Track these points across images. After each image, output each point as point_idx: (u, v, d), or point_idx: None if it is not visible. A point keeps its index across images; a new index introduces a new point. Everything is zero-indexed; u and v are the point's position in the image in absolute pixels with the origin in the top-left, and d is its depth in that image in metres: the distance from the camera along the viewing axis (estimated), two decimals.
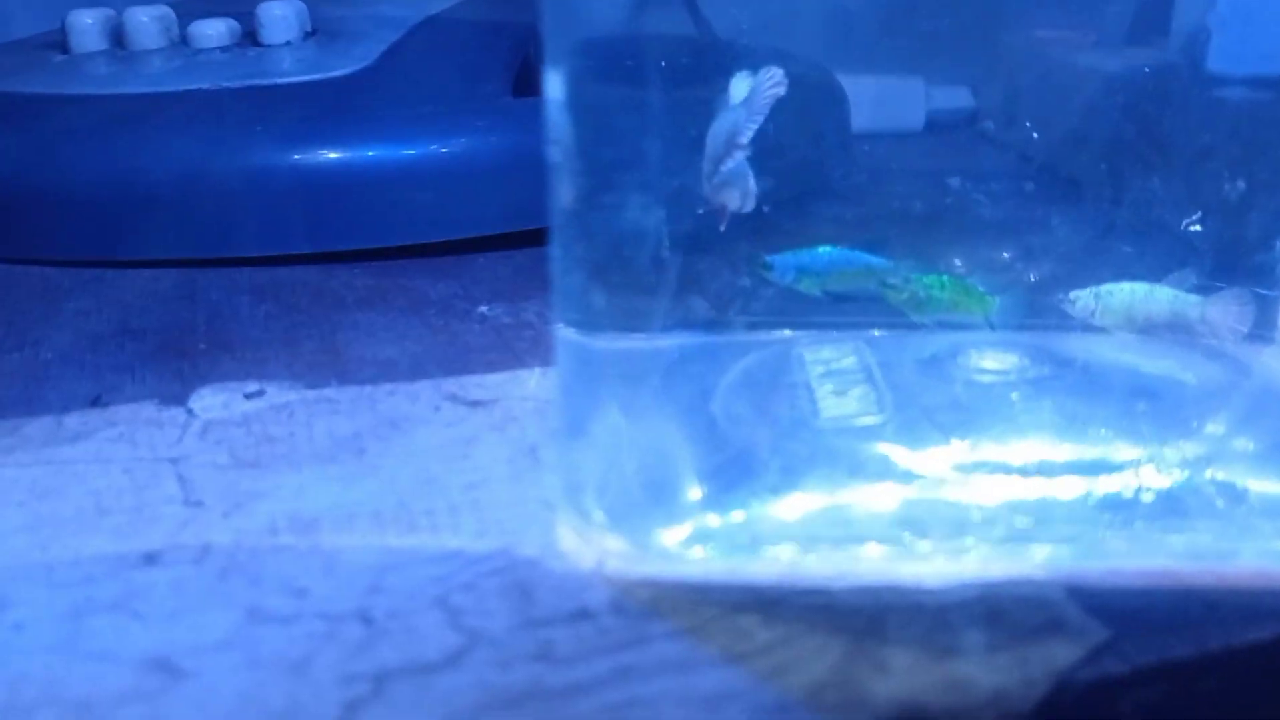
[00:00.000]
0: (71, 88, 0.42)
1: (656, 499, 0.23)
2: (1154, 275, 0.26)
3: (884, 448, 0.24)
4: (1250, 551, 0.22)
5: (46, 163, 0.39)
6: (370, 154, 0.39)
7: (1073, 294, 0.26)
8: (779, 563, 0.22)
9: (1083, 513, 0.23)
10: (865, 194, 0.29)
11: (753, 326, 0.27)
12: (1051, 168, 0.27)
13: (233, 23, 0.45)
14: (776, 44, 0.26)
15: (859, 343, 0.27)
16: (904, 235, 0.27)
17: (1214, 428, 0.25)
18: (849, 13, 0.27)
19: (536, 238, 0.38)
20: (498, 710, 0.18)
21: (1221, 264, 0.26)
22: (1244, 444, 0.24)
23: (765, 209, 0.26)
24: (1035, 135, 0.28)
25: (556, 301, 0.23)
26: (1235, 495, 0.23)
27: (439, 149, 0.39)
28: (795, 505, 0.23)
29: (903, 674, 0.19)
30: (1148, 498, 0.23)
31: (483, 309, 0.34)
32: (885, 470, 0.23)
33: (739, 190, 0.25)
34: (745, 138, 0.24)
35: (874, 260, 0.27)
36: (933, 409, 0.25)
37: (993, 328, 0.27)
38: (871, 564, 0.22)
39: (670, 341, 0.26)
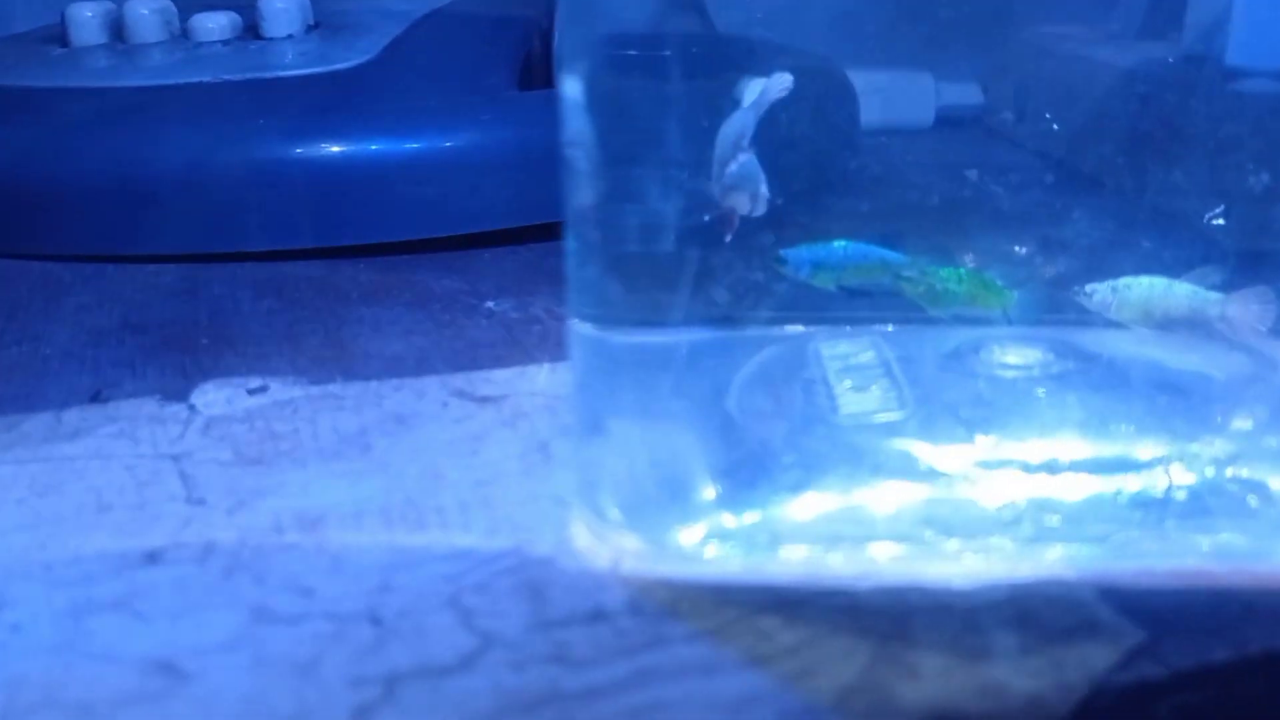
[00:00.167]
0: (70, 81, 0.42)
1: (673, 497, 0.22)
2: (1175, 271, 0.25)
3: (906, 444, 0.23)
4: None
5: (45, 156, 0.39)
6: (374, 148, 0.38)
7: (1089, 287, 0.25)
8: (800, 562, 0.21)
9: (1112, 511, 0.22)
10: (877, 188, 0.28)
11: (765, 321, 0.27)
12: (1070, 162, 0.27)
13: (234, 16, 0.45)
14: (786, 39, 0.26)
15: (876, 338, 0.27)
16: (918, 228, 0.27)
17: (1242, 424, 0.24)
18: (859, 7, 0.26)
19: (543, 232, 0.38)
20: (513, 714, 0.17)
21: (1244, 260, 0.26)
22: (1275, 441, 0.24)
23: (779, 201, 0.25)
24: (1055, 127, 0.28)
25: (571, 296, 0.23)
26: (1267, 494, 0.22)
27: (443, 143, 0.39)
28: (816, 503, 0.22)
29: (934, 678, 0.18)
30: (1178, 496, 0.22)
31: (489, 304, 0.34)
32: (908, 467, 0.23)
33: (748, 193, 0.24)
34: (749, 138, 0.24)
35: (890, 255, 0.26)
36: (955, 405, 0.24)
37: (1010, 322, 0.26)
38: (895, 564, 0.21)
39: (685, 336, 0.25)
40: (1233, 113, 0.27)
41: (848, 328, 0.27)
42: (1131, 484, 0.22)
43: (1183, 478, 0.22)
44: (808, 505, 0.22)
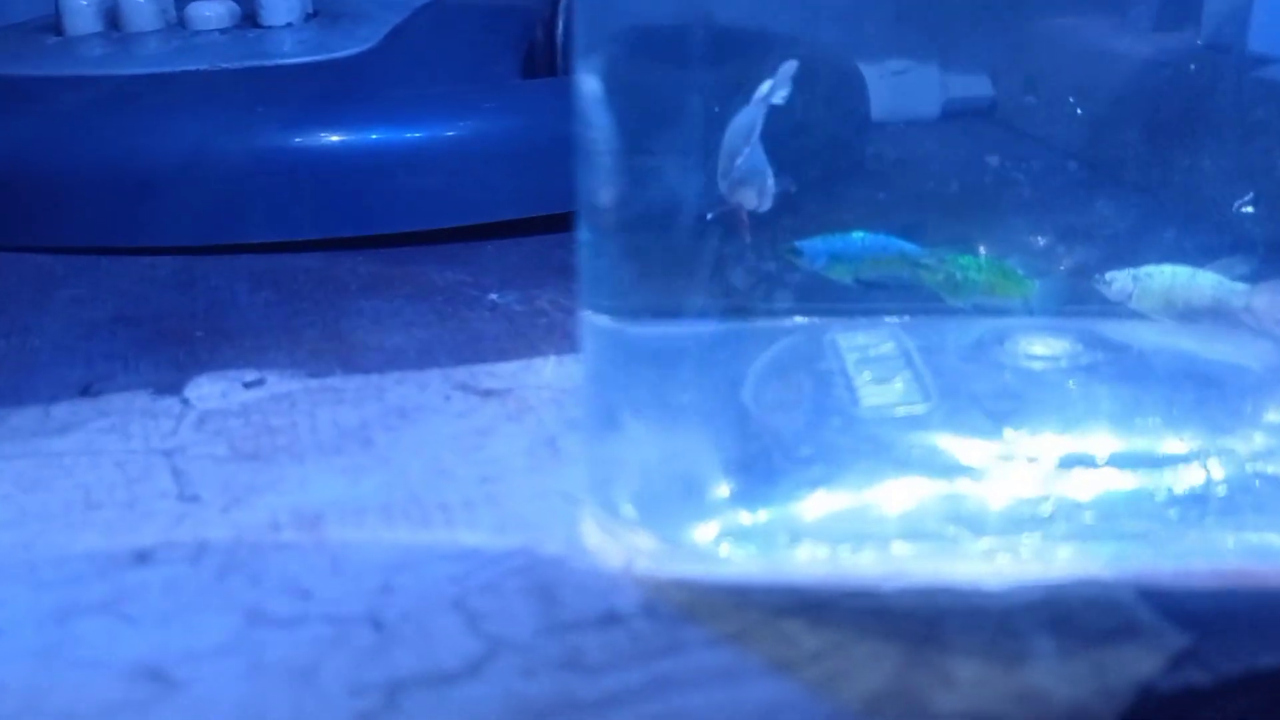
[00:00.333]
0: (63, 69, 0.41)
1: (689, 493, 0.21)
2: (1199, 261, 0.25)
3: (931, 438, 0.22)
4: None
5: (37, 146, 0.38)
6: (374, 137, 0.38)
7: (1108, 275, 0.24)
8: (823, 562, 0.20)
9: (1148, 508, 0.21)
10: (892, 178, 0.27)
11: (779, 312, 0.26)
12: (1092, 152, 0.26)
13: (231, 4, 0.44)
14: (796, 30, 0.25)
15: (895, 328, 0.26)
16: (935, 218, 0.26)
17: (1275, 417, 0.23)
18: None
19: (548, 224, 0.37)
20: None
21: (1274, 250, 0.25)
22: None
23: (793, 188, 0.25)
24: (1079, 111, 0.27)
25: (583, 287, 0.22)
26: None
27: (445, 132, 0.38)
28: (837, 500, 0.21)
29: (969, 685, 0.17)
30: (1218, 492, 0.21)
31: (493, 296, 0.33)
32: (933, 462, 0.22)
33: (755, 188, 0.24)
34: (756, 133, 0.23)
35: (909, 246, 0.25)
36: (981, 397, 0.23)
37: (1032, 313, 0.25)
38: (923, 564, 0.20)
39: (699, 328, 0.25)
40: (1258, 100, 0.26)
41: (862, 319, 0.26)
42: (1168, 480, 0.21)
43: (1222, 473, 0.21)
44: (829, 502, 0.21)
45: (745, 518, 0.21)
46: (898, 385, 0.24)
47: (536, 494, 0.22)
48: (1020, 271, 0.25)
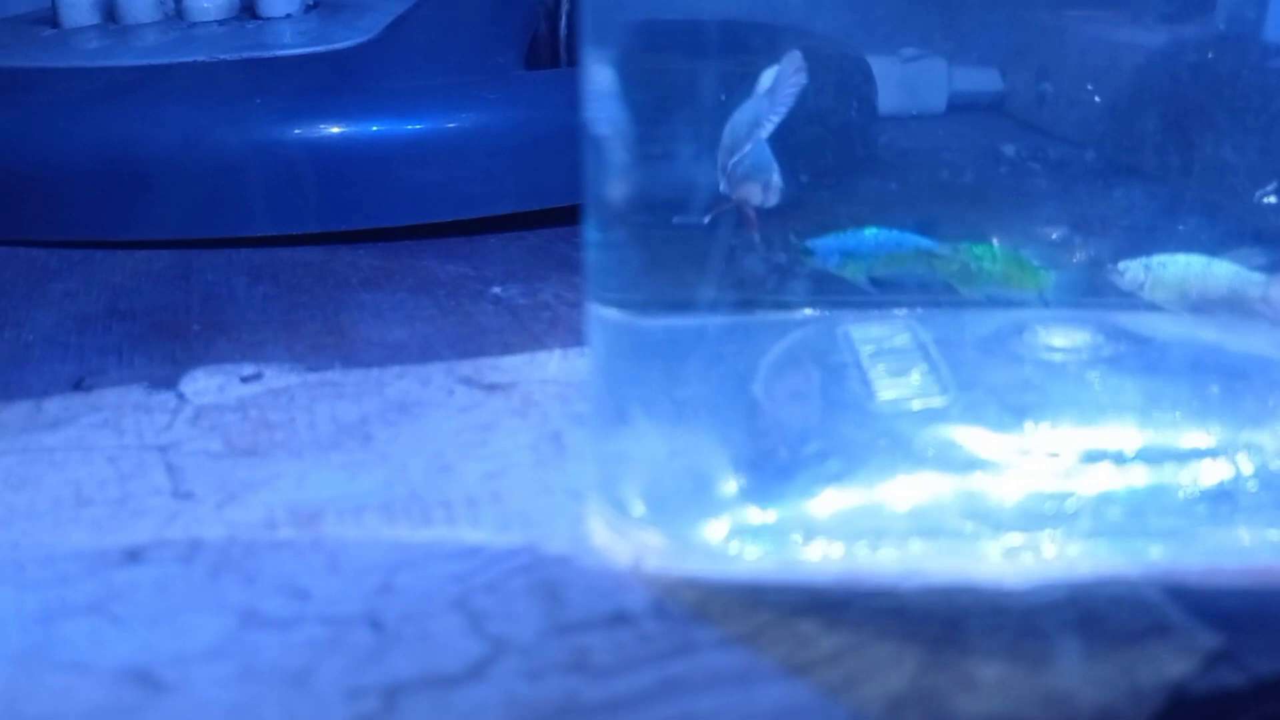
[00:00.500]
0: (59, 61, 0.40)
1: (699, 489, 0.21)
2: (1216, 252, 0.24)
3: (949, 432, 0.22)
4: None
5: (32, 138, 0.37)
6: (375, 129, 0.37)
7: (1121, 264, 0.24)
8: (838, 560, 0.19)
9: (1175, 504, 0.20)
10: (902, 171, 0.27)
11: (789, 305, 0.25)
12: (1109, 144, 0.26)
13: None
14: (804, 23, 0.25)
15: (910, 320, 0.25)
16: (948, 210, 0.25)
17: None
18: None
19: (551, 217, 0.37)
20: None
21: None
22: None
23: (804, 179, 0.24)
24: (1097, 99, 0.26)
25: (590, 279, 0.21)
26: None
27: (447, 124, 0.37)
28: (854, 496, 0.21)
29: (992, 687, 0.16)
30: (1247, 487, 0.20)
31: (496, 290, 0.32)
32: (951, 457, 0.21)
33: (760, 183, 0.23)
34: (766, 130, 0.23)
35: (924, 242, 0.24)
36: (1001, 390, 0.23)
37: (1047, 304, 0.25)
38: (942, 562, 0.19)
39: (708, 320, 0.24)
40: (1277, 89, 0.25)
41: (874, 311, 0.26)
42: (1196, 475, 0.21)
43: (1251, 468, 0.21)
44: (843, 498, 0.21)
45: (757, 515, 0.20)
46: (914, 378, 0.23)
47: (541, 490, 0.22)
48: (1035, 262, 0.25)
